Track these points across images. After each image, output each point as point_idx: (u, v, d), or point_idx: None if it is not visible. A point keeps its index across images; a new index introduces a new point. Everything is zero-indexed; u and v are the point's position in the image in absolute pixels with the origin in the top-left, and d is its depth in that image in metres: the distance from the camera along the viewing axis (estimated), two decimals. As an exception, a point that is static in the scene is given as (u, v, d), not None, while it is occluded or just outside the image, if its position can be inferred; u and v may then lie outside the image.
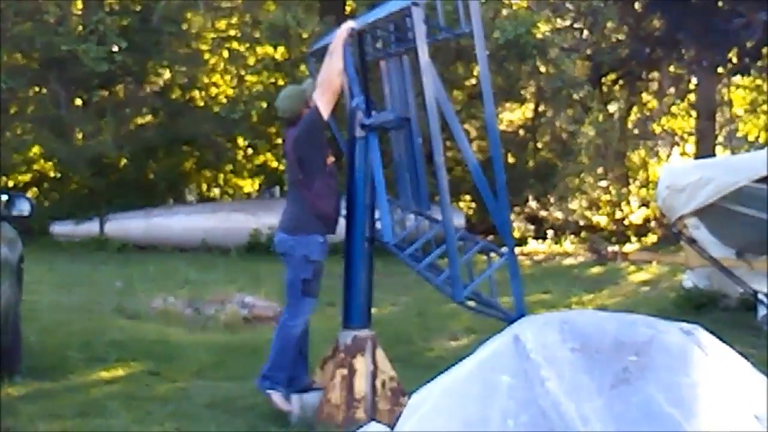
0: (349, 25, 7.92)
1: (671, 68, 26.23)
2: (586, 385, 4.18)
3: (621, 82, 28.30)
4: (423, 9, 6.93)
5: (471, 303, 7.68)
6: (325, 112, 7.82)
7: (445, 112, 7.21)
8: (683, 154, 29.28)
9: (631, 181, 28.59)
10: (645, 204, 26.83)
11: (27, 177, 23.99)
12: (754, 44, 21.38)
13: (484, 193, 7.09)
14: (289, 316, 8.04)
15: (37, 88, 22.41)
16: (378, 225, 8.18)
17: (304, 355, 8.22)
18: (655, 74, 26.92)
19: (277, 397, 7.94)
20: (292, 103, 8.13)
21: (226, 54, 24.52)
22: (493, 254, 8.31)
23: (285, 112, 8.17)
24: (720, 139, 28.68)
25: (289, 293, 8.08)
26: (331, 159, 8.14)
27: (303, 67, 21.50)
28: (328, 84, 7.87)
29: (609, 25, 25.75)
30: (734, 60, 23.01)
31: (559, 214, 25.32)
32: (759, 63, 23.08)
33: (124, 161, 23.36)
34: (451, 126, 7.29)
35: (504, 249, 7.79)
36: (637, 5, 24.44)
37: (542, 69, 23.48)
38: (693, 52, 23.32)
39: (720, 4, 20.57)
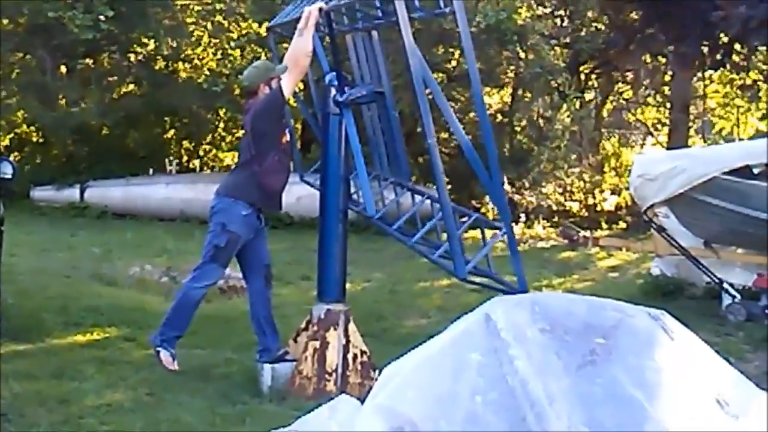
0: (319, 4, 7.90)
1: (647, 59, 26.37)
2: (554, 365, 4.22)
3: (598, 71, 28.44)
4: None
5: (475, 278, 7.72)
6: (288, 92, 7.92)
7: (434, 94, 7.29)
8: (656, 144, 29.46)
9: (604, 168, 28.75)
10: (617, 191, 27.00)
11: (8, 141, 23.98)
12: (729, 39, 21.53)
13: (479, 171, 7.15)
14: (193, 279, 8.14)
15: (22, 54, 22.35)
16: (359, 199, 8.27)
17: (273, 325, 8.31)
18: (632, 64, 27.03)
19: (164, 355, 8.06)
20: (256, 74, 8.17)
21: (210, 27, 24.51)
22: (488, 229, 8.28)
23: (245, 79, 8.24)
24: (693, 131, 28.88)
25: (203, 255, 8.16)
26: (286, 138, 8.25)
27: (286, 44, 21.57)
28: (294, 63, 7.95)
29: (589, 14, 25.87)
30: (711, 53, 23.16)
31: (532, 199, 25.43)
32: (734, 57, 23.23)
33: (105, 129, 23.36)
34: (441, 107, 7.35)
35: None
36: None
37: (522, 55, 23.59)
38: (667, 44, 23.45)
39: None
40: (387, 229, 7.97)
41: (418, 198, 8.69)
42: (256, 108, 8.06)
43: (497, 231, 8.04)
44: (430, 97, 7.21)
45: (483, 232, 8.41)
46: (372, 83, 8.40)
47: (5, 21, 21.88)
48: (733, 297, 12.51)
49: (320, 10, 7.86)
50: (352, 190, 8.76)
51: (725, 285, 12.67)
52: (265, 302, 8.32)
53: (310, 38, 7.84)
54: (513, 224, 22.28)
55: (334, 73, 7.99)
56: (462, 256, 7.09)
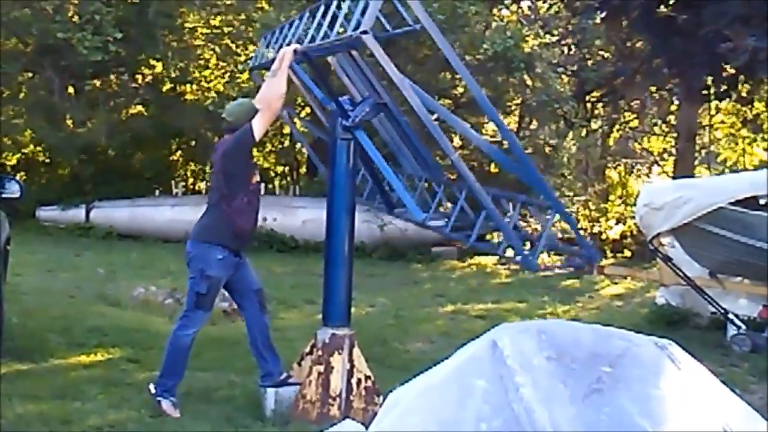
0: (294, 46, 7.93)
1: (653, 89, 26.43)
2: (560, 393, 4.18)
3: (605, 99, 28.49)
4: (372, 35, 6.91)
5: (546, 271, 7.75)
6: (258, 133, 7.84)
7: (442, 115, 7.23)
8: (662, 173, 29.47)
9: (610, 197, 28.75)
10: (622, 220, 26.98)
11: (15, 160, 24.07)
12: (736, 70, 21.58)
13: (508, 166, 7.14)
14: (180, 326, 8.08)
15: (31, 74, 22.44)
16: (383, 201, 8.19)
17: (272, 349, 8.28)
18: (638, 93, 27.08)
19: (166, 404, 7.96)
20: (241, 111, 8.05)
21: (218, 50, 24.62)
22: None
23: (230, 116, 8.06)
24: (698, 161, 28.89)
25: (186, 302, 8.14)
26: (256, 178, 8.16)
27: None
28: (267, 105, 7.90)
29: (597, 43, 25.94)
30: (716, 85, 23.23)
31: (537, 226, 25.40)
32: (741, 88, 23.29)
33: (112, 150, 23.43)
34: (454, 126, 7.34)
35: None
36: (624, 24, 24.60)
37: (528, 82, 23.64)
38: (673, 75, 23.51)
39: (706, 27, 20.70)
40: (441, 231, 7.98)
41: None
42: (226, 147, 7.99)
43: (549, 210, 7.97)
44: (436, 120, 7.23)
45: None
46: (371, 96, 8.33)
47: (14, 40, 21.97)
48: (738, 328, 12.48)
49: (295, 51, 7.90)
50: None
51: (730, 315, 12.65)
52: (263, 327, 8.27)
53: (284, 80, 7.84)
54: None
55: (332, 102, 8.01)
56: (523, 251, 7.32)
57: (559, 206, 7.59)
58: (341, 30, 7.64)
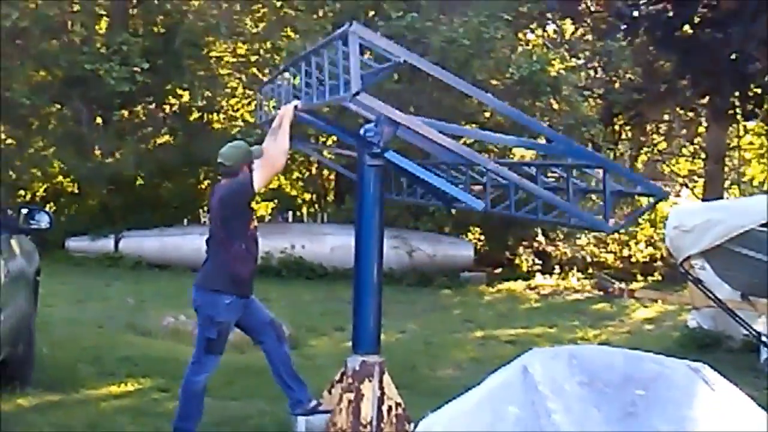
0: (294, 103, 7.95)
1: (681, 111, 26.37)
2: (593, 417, 4.18)
3: (632, 122, 28.43)
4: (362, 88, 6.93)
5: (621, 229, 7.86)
6: (258, 186, 7.84)
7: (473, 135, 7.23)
8: (691, 195, 29.36)
9: (639, 220, 28.65)
10: (652, 243, 26.87)
11: (45, 191, 24.21)
12: (762, 90, 21.53)
13: (548, 148, 7.23)
14: (192, 372, 8.03)
15: (59, 105, 22.60)
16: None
17: (297, 378, 8.21)
18: (666, 116, 27.05)
19: None
20: (239, 155, 8.00)
21: (245, 78, 24.74)
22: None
23: (228, 160, 7.97)
24: (728, 182, 28.78)
25: (197, 347, 8.12)
26: (254, 224, 8.13)
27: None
28: (271, 162, 7.90)
29: (623, 65, 25.93)
30: (743, 105, 23.17)
31: (567, 250, 25.38)
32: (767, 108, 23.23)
33: (140, 180, 23.55)
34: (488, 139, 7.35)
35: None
36: (650, 44, 24.60)
37: (555, 106, 23.62)
38: (699, 96, 23.48)
39: (732, 47, 20.67)
40: (508, 213, 8.05)
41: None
42: (224, 194, 7.95)
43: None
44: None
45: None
46: (381, 113, 8.23)
47: (43, 73, 22.16)
48: (772, 350, 12.39)
49: (295, 107, 7.93)
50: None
51: (763, 338, 12.55)
52: (284, 358, 8.22)
53: (287, 138, 7.83)
54: (547, 275, 22.20)
55: (354, 138, 8.01)
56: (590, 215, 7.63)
57: (608, 162, 7.68)
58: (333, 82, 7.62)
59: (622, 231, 26.60)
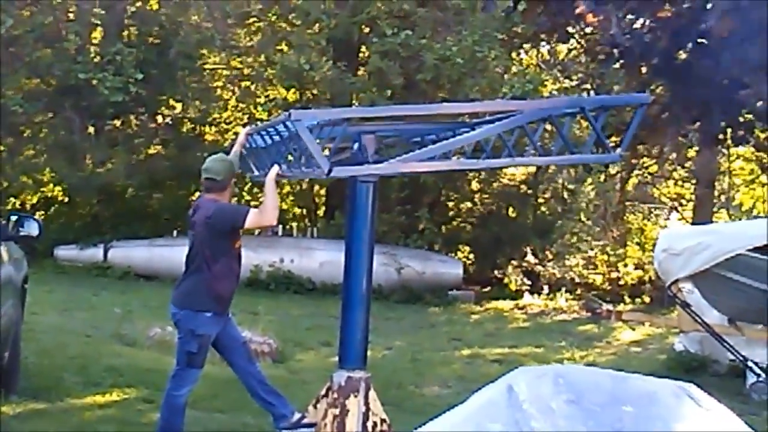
0: (275, 171, 7.87)
1: (672, 134, 26.44)
2: None
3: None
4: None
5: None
6: (248, 226, 7.86)
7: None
8: (681, 219, 29.42)
9: (628, 242, 28.70)
10: (641, 265, 26.92)
11: (35, 199, 24.17)
12: (753, 116, 21.62)
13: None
14: (173, 386, 8.03)
15: (51, 114, 22.58)
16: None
17: (276, 393, 8.25)
18: (657, 139, 27.10)
19: None
20: (226, 168, 8.09)
21: (238, 91, 24.76)
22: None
23: (215, 173, 8.01)
24: (717, 206, 28.85)
25: (177, 361, 8.12)
26: (238, 243, 8.12)
27: (314, 110, 21.74)
28: (267, 218, 7.89)
29: (615, 88, 25.99)
30: (733, 130, 23.29)
31: (555, 271, 25.41)
32: (759, 134, 23.32)
33: (131, 190, 23.52)
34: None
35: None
36: (644, 70, 24.71)
37: (547, 127, 23.63)
38: (692, 119, 23.56)
39: (724, 73, 20.76)
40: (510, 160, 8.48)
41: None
42: (214, 214, 7.90)
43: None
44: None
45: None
46: (360, 138, 8.26)
47: (36, 80, 22.14)
48: (758, 376, 12.40)
49: (277, 174, 7.90)
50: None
51: (750, 363, 12.57)
52: (258, 376, 8.25)
53: (275, 198, 7.84)
54: (536, 295, 22.20)
55: (357, 145, 8.02)
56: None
57: (584, 99, 7.92)
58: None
59: (611, 252, 26.67)
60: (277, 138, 8.33)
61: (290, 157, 8.25)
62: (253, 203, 20.98)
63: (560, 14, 23.57)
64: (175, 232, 21.90)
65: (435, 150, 7.82)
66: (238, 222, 7.85)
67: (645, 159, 29.92)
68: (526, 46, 27.40)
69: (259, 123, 23.66)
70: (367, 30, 22.85)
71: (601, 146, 7.89)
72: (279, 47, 23.54)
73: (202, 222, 7.95)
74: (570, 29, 25.25)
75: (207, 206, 8.01)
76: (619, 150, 8.22)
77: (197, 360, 8.00)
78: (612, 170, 28.27)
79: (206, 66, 24.47)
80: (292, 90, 23.70)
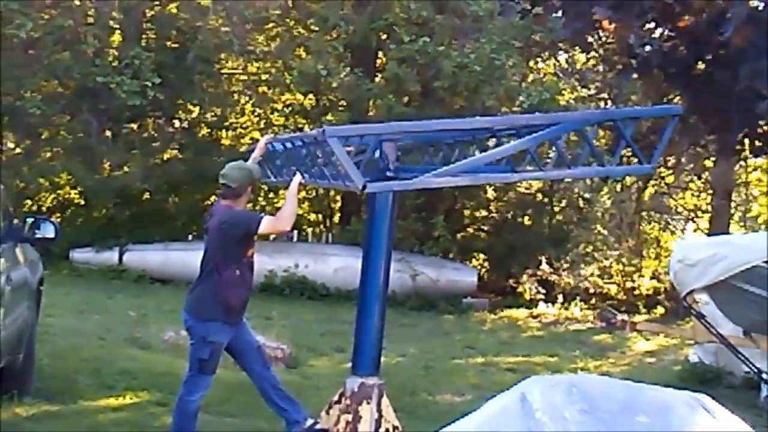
0: (298, 178, 7.97)
1: (689, 145, 26.39)
2: None
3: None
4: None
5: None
6: (262, 231, 7.88)
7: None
8: (697, 230, 29.33)
9: (644, 252, 28.62)
10: (656, 276, 26.84)
11: (51, 202, 24.24)
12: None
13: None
14: (185, 392, 8.07)
15: (69, 117, 22.65)
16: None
17: (289, 398, 8.27)
18: (674, 150, 27.04)
19: None
20: (244, 175, 8.09)
21: (254, 96, 24.81)
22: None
23: (233, 181, 8.04)
24: (735, 218, 28.76)
25: (189, 367, 8.13)
26: (252, 250, 8.13)
27: (330, 116, 21.83)
28: (282, 224, 7.93)
29: (633, 98, 25.95)
30: (751, 141, 23.21)
31: (570, 280, 25.36)
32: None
33: (147, 194, 23.57)
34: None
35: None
36: (661, 80, 24.64)
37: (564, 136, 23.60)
38: (709, 130, 23.49)
39: (741, 85, 20.69)
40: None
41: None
42: (227, 220, 7.96)
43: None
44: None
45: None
46: (375, 145, 8.29)
47: (55, 83, 22.22)
48: (773, 388, 12.34)
49: (300, 183, 7.99)
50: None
51: (765, 375, 12.51)
52: (272, 381, 8.28)
53: (295, 205, 7.95)
54: (550, 304, 22.16)
55: (378, 152, 8.03)
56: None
57: (614, 112, 7.99)
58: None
59: (627, 262, 26.60)
60: (298, 143, 8.37)
61: (310, 163, 8.27)
62: (268, 209, 21.01)
63: (578, 19, 23.45)
64: (190, 236, 21.94)
65: (470, 163, 7.84)
66: (251, 228, 7.87)
67: (662, 169, 29.86)
68: (544, 54, 27.36)
69: (275, 128, 23.83)
70: (384, 36, 22.87)
71: (636, 158, 7.89)
72: (297, 53, 23.59)
73: (216, 228, 7.99)
74: (589, 38, 25.17)
75: (221, 212, 8.06)
76: (651, 162, 8.19)
77: (209, 366, 8.02)
78: (628, 180, 28.23)
79: (224, 71, 24.56)
80: (309, 96, 23.75)
